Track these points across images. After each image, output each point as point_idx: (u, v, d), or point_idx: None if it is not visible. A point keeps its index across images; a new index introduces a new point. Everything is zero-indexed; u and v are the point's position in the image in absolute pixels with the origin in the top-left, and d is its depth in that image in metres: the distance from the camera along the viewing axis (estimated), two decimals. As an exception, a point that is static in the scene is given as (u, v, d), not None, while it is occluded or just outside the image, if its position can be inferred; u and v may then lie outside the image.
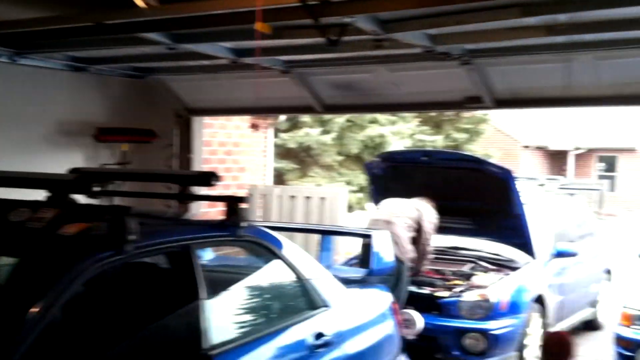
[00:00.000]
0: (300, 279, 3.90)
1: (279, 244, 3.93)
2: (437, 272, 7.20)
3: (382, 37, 4.53)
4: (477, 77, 5.47)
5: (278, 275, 3.88)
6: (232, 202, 3.48)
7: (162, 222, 3.72)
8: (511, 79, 5.23)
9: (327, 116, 15.19)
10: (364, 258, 5.02)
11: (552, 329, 6.20)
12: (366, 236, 5.08)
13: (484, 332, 6.38)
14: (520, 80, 5.15)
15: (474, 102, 5.85)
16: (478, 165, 7.14)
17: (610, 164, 29.26)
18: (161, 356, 2.93)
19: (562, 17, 4.05)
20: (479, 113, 20.48)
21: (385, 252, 4.98)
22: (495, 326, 6.42)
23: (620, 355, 6.20)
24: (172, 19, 4.63)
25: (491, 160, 8.38)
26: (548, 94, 5.42)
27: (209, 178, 3.57)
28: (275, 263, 3.83)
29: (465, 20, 4.07)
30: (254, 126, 6.58)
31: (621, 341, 6.19)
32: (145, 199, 3.78)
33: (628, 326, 6.16)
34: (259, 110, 8.03)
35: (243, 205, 3.47)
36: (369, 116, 16.02)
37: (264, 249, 3.81)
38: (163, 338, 2.98)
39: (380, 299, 4.67)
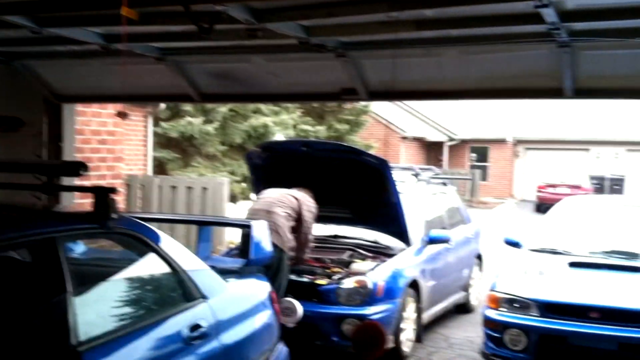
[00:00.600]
0: (175, 271, 3.84)
1: (153, 235, 3.84)
2: (318, 260, 7.32)
3: (256, 27, 4.52)
4: (352, 69, 5.57)
5: (152, 267, 3.80)
6: (101, 193, 3.36)
7: (25, 215, 3.54)
8: (385, 72, 5.36)
9: (210, 105, 15.00)
10: (243, 248, 5.02)
11: (369, 319, 6.43)
12: (245, 226, 5.07)
13: (361, 318, 6.55)
14: (394, 74, 5.30)
15: (349, 93, 5.97)
16: (355, 156, 7.30)
17: (482, 155, 30.78)
18: (24, 354, 2.80)
19: (428, 13, 4.21)
20: (359, 105, 20.95)
21: (264, 242, 4.99)
22: (372, 312, 6.60)
23: (488, 336, 6.49)
24: (35, 1, 4.40)
25: (369, 151, 8.59)
26: (420, 87, 5.60)
27: (76, 168, 3.43)
28: (150, 255, 3.75)
29: (336, 13, 4.13)
30: (122, 114, 6.36)
31: (489, 323, 6.48)
32: (13, 191, 3.58)
33: (495, 309, 6.46)
34: (133, 98, 7.80)
35: (114, 197, 3.36)
36: (252, 106, 15.98)
37: (138, 241, 3.72)
38: (25, 335, 2.84)
39: (259, 288, 4.69)
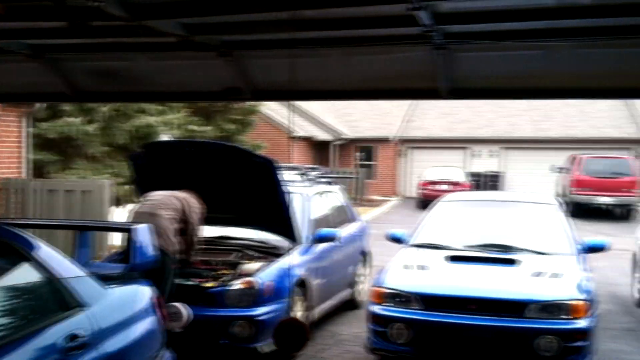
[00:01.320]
0: (50, 279, 3.67)
1: (25, 243, 3.65)
2: (205, 262, 7.21)
3: (134, 24, 4.39)
4: (236, 68, 5.53)
5: (24, 276, 3.61)
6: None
7: None
8: (269, 72, 5.35)
9: (91, 104, 14.42)
10: (126, 253, 4.88)
11: (292, 315, 6.47)
12: (127, 230, 4.92)
13: (250, 319, 6.53)
14: (278, 73, 5.30)
15: (233, 93, 5.92)
16: (242, 156, 7.26)
17: (368, 154, 31.47)
18: None
19: (308, 13, 4.24)
20: (248, 105, 20.84)
21: (146, 246, 4.87)
22: (260, 312, 6.59)
23: (373, 331, 6.62)
24: None
25: (257, 151, 8.56)
26: (305, 87, 5.64)
27: None
28: (22, 264, 3.56)
29: (215, 11, 4.08)
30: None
31: (374, 318, 6.62)
32: None
33: (379, 304, 6.62)
34: (2, 97, 7.37)
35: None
36: (136, 105, 15.51)
37: (8, 249, 3.51)
38: None
39: (142, 294, 4.56)
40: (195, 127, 19.44)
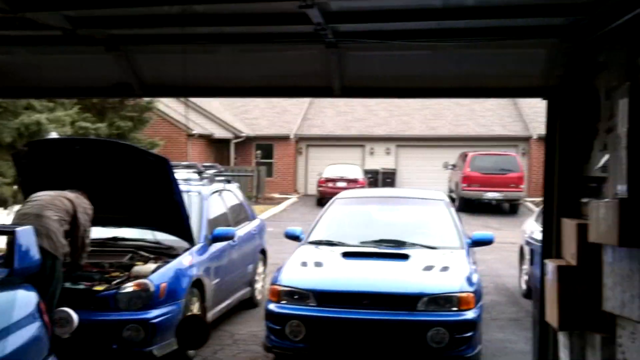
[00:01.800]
0: None
1: None
2: (96, 265, 6.96)
3: (14, 16, 4.15)
4: (125, 64, 5.34)
5: None
6: None
7: None
8: (161, 67, 5.22)
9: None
10: (7, 257, 4.61)
11: (191, 313, 6.36)
12: (8, 233, 4.65)
13: (143, 322, 6.36)
14: (170, 69, 5.18)
15: (122, 89, 5.72)
16: (134, 154, 7.05)
17: (267, 151, 31.44)
18: None
19: (199, 8, 4.17)
20: (143, 101, 20.32)
21: (30, 249, 4.62)
22: (154, 315, 6.44)
23: (270, 329, 6.62)
24: None
25: (153, 149, 8.35)
26: (197, 83, 5.51)
27: None
28: None
29: (101, 4, 3.92)
30: None
31: (271, 316, 6.62)
32: None
33: (276, 302, 6.62)
34: None
35: None
36: (23, 101, 14.79)
37: None
38: None
39: (25, 299, 4.34)
40: (87, 125, 18.73)
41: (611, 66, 3.94)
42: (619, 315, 3.42)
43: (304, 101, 33.20)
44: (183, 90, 6.11)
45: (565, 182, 4.73)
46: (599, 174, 4.15)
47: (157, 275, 6.66)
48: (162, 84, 5.58)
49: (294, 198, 28.80)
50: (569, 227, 4.28)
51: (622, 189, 3.34)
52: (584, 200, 4.31)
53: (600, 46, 4.16)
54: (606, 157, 3.88)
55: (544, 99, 5.08)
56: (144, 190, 7.21)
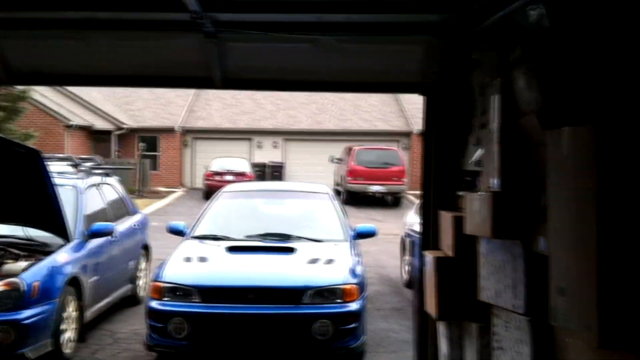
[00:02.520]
0: None
1: None
2: (-40, 264, 6.49)
3: None
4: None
5: None
6: None
7: None
8: (27, 54, 4.88)
9: None
10: None
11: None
12: None
13: (13, 323, 6.02)
14: (38, 56, 4.87)
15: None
16: (2, 146, 6.62)
17: (151, 144, 30.60)
18: None
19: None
20: (16, 90, 19.20)
21: None
22: (25, 315, 6.11)
23: (152, 327, 6.44)
24: None
25: (27, 141, 7.88)
26: (67, 70, 5.20)
27: None
28: None
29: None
30: None
31: (153, 314, 6.43)
32: None
33: (159, 299, 6.44)
34: None
35: None
36: None
37: None
38: None
39: None
40: (-47, 114, 17.54)
41: (484, 63, 4.09)
42: (493, 304, 3.56)
43: (189, 93, 32.61)
44: (55, 78, 5.79)
45: (442, 176, 4.87)
46: (473, 168, 4.30)
47: (29, 273, 6.31)
48: (31, 72, 5.24)
49: (180, 192, 28.25)
50: (445, 219, 4.41)
51: (495, 182, 3.47)
52: (460, 193, 4.45)
53: (474, 44, 4.30)
54: (480, 151, 4.02)
55: (422, 94, 5.21)
56: (15, 184, 6.79)
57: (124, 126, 29.48)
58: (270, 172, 29.20)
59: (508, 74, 3.59)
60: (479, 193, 3.72)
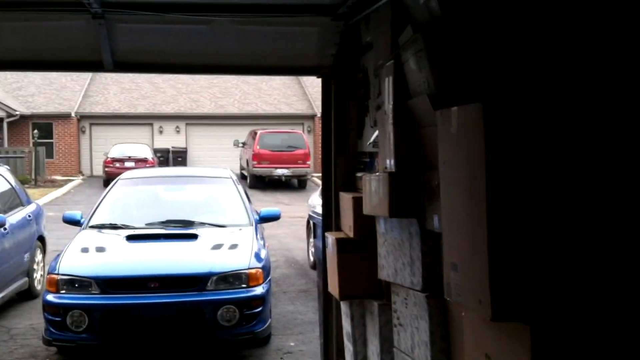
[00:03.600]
0: None
1: None
2: None
3: None
4: None
5: None
6: None
7: None
8: None
9: None
10: None
11: None
12: None
13: None
14: None
15: None
16: None
17: (47, 131, 29.30)
18: None
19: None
20: None
21: None
22: None
23: (49, 321, 6.21)
24: None
25: None
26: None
27: None
28: None
29: None
30: None
31: (50, 307, 6.21)
32: None
33: (55, 292, 6.21)
34: None
35: None
36: None
37: None
38: None
39: None
40: None
41: (377, 45, 4.13)
42: (392, 282, 3.62)
43: (85, 77, 31.43)
44: None
45: (341, 158, 4.91)
46: (370, 149, 4.35)
47: None
48: None
49: (78, 180, 27.26)
50: (345, 200, 4.45)
51: (390, 163, 3.52)
52: (359, 174, 4.50)
53: (368, 26, 4.33)
54: (376, 132, 4.07)
55: (319, 77, 5.22)
56: None
57: (16, 113, 28.07)
58: (173, 157, 28.68)
59: (400, 56, 3.64)
60: (376, 174, 3.76)
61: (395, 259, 3.55)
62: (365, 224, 4.04)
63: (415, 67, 3.47)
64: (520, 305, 2.42)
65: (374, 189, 3.60)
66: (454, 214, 2.74)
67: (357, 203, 4.12)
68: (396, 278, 3.55)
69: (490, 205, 2.45)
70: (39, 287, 8.92)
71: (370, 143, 4.34)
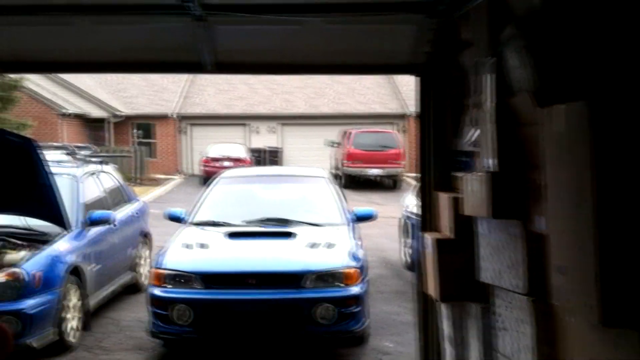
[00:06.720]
0: None
1: None
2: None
3: None
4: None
5: None
6: None
7: None
8: (13, 41, 4.80)
9: None
10: None
11: None
12: None
13: (16, 314, 6.05)
14: (22, 43, 4.80)
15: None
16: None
17: (147, 131, 30.53)
18: None
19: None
20: (9, 79, 19.10)
21: None
22: (28, 305, 6.15)
23: (155, 314, 6.46)
24: None
25: (23, 130, 7.85)
26: (52, 57, 5.16)
27: None
28: None
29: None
30: None
31: (155, 301, 6.46)
32: None
33: (160, 286, 6.46)
34: None
35: None
36: None
37: None
38: None
39: None
40: (-53, 106, 17.48)
41: (476, 42, 4.06)
42: (493, 285, 3.56)
43: (183, 78, 32.49)
44: (43, 65, 5.74)
45: (438, 157, 4.85)
46: (468, 148, 4.29)
47: (30, 263, 6.33)
48: (19, 60, 5.17)
49: (177, 178, 28.25)
50: (443, 200, 4.41)
51: (489, 162, 3.47)
52: (457, 174, 4.45)
53: (465, 23, 4.27)
54: (475, 131, 4.01)
55: (415, 75, 5.18)
56: (10, 173, 6.77)
57: (120, 114, 29.40)
58: (267, 157, 29.18)
59: (499, 53, 3.57)
60: (475, 173, 3.71)
61: (496, 261, 3.50)
62: (463, 224, 4.00)
63: (516, 64, 3.40)
64: (631, 311, 2.34)
65: (474, 189, 3.55)
66: (561, 215, 2.67)
67: (456, 203, 4.08)
68: (497, 280, 3.50)
69: (600, 205, 2.38)
70: (143, 282, 9.29)
71: (468, 142, 4.29)
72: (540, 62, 3.17)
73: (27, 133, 15.56)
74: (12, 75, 18.63)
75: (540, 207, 2.98)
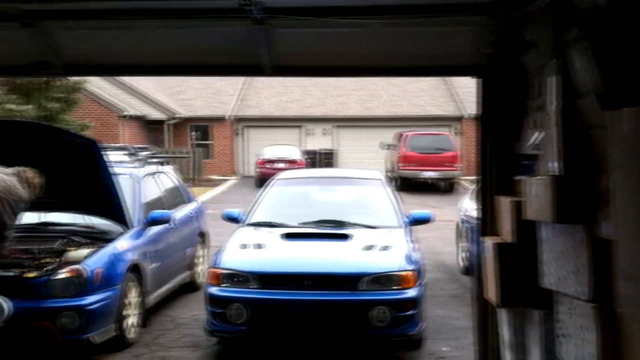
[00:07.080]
0: None
1: None
2: (25, 251, 6.70)
3: None
4: (42, 41, 5.01)
5: None
6: None
7: None
8: (82, 45, 4.95)
9: None
10: None
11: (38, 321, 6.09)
12: None
13: (78, 309, 6.21)
14: (91, 46, 4.93)
15: (42, 67, 5.41)
16: (59, 137, 6.82)
17: (204, 133, 31.01)
18: None
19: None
20: (70, 81, 19.69)
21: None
22: (90, 301, 6.30)
23: (212, 313, 6.53)
24: None
25: (84, 131, 8.08)
26: (120, 61, 5.29)
27: None
28: None
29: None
30: None
31: (212, 299, 6.53)
32: None
33: (217, 285, 6.53)
34: None
35: None
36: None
37: None
38: None
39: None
40: (13, 106, 18.09)
41: (539, 44, 3.99)
42: (556, 291, 3.49)
43: (239, 81, 32.83)
44: (106, 68, 5.90)
45: (499, 160, 4.78)
46: (530, 151, 4.21)
47: (91, 260, 6.50)
48: (83, 63, 5.34)
49: (233, 179, 28.58)
50: (504, 204, 4.35)
51: (553, 166, 3.40)
52: (518, 178, 4.37)
53: (528, 24, 4.20)
54: (537, 134, 3.94)
55: (475, 77, 5.12)
56: (74, 173, 6.99)
57: (177, 115, 29.92)
58: (321, 159, 29.23)
59: (563, 55, 3.50)
60: (538, 177, 3.65)
61: (559, 266, 3.43)
62: (525, 229, 3.93)
63: (581, 66, 3.33)
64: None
65: (536, 193, 3.49)
66: (629, 220, 2.60)
67: (517, 207, 4.01)
68: (560, 286, 3.43)
69: (671, 212, 2.31)
70: (200, 280, 9.40)
71: (530, 145, 4.21)
72: (607, 64, 3.10)
73: (87, 134, 15.98)
74: (74, 78, 19.17)
75: (607, 212, 2.91)
